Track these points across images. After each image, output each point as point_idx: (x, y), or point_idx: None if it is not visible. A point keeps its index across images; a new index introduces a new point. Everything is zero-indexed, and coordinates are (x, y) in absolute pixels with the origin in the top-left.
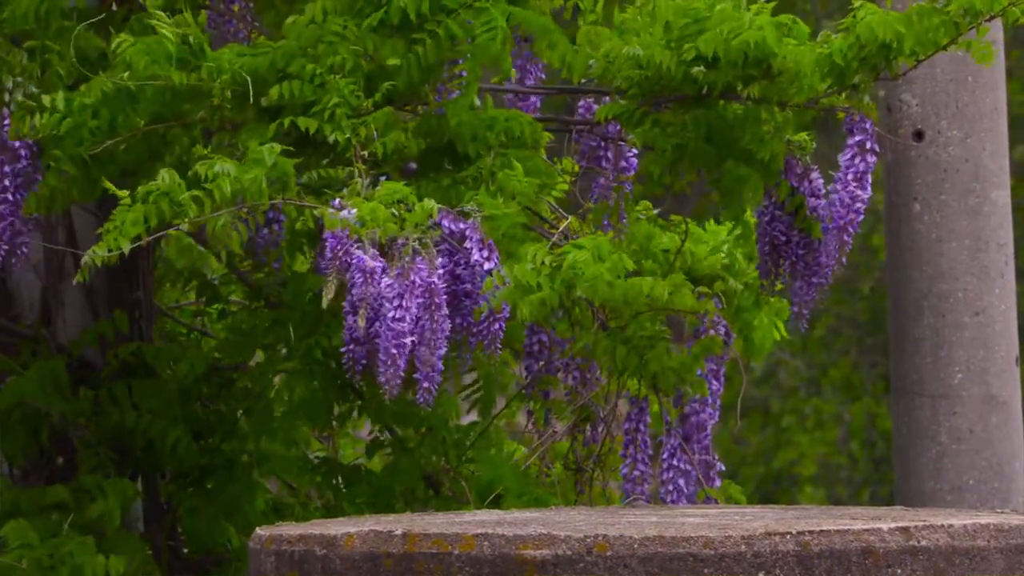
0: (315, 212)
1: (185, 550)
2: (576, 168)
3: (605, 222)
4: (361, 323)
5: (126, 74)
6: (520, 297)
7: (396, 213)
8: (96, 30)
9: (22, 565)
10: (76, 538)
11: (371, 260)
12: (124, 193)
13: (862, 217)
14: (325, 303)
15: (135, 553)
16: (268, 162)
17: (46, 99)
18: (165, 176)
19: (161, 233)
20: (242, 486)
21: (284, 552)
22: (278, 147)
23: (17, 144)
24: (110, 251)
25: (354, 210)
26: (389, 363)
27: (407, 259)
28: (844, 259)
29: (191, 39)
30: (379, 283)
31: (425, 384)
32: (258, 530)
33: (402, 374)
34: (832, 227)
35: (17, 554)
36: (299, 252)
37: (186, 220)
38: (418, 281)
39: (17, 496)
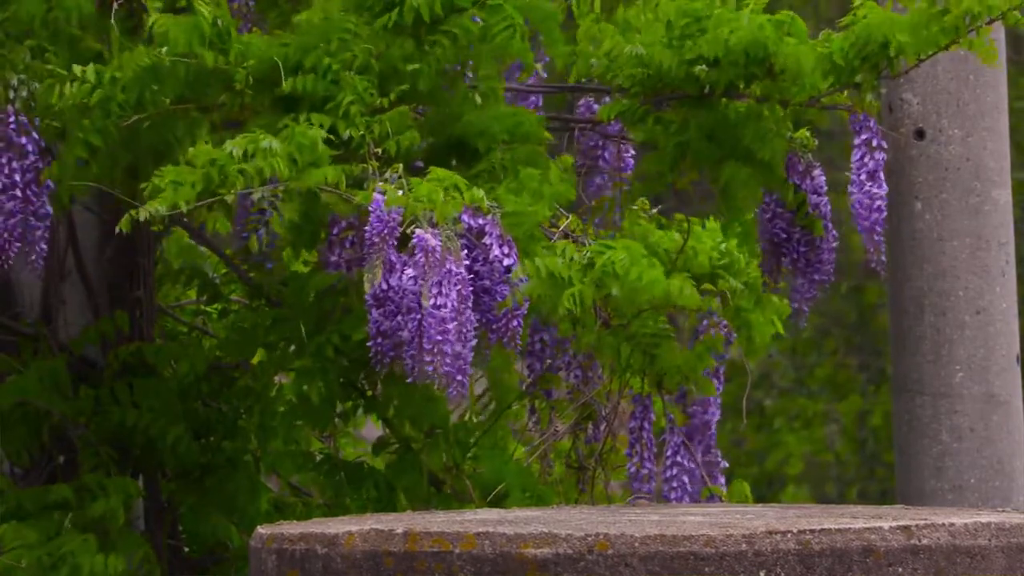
0: (355, 198)
1: (186, 549)
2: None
3: (603, 221)
4: (425, 303)
5: (164, 49)
6: (547, 291)
7: (443, 199)
8: (93, 31)
9: (21, 565)
10: (77, 537)
11: (432, 238)
12: (196, 149)
13: (885, 214)
14: (368, 288)
15: (137, 551)
16: (320, 151)
17: (77, 70)
18: (229, 147)
19: (204, 203)
20: (243, 485)
21: (285, 551)
22: (323, 133)
23: (24, 140)
24: (173, 207)
25: (399, 193)
26: (436, 352)
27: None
28: (883, 257)
29: (220, 22)
30: (428, 267)
31: (459, 378)
32: (259, 529)
33: (451, 363)
34: (860, 231)
35: (16, 554)
36: (304, 249)
37: (232, 192)
38: (453, 270)
39: (20, 496)
